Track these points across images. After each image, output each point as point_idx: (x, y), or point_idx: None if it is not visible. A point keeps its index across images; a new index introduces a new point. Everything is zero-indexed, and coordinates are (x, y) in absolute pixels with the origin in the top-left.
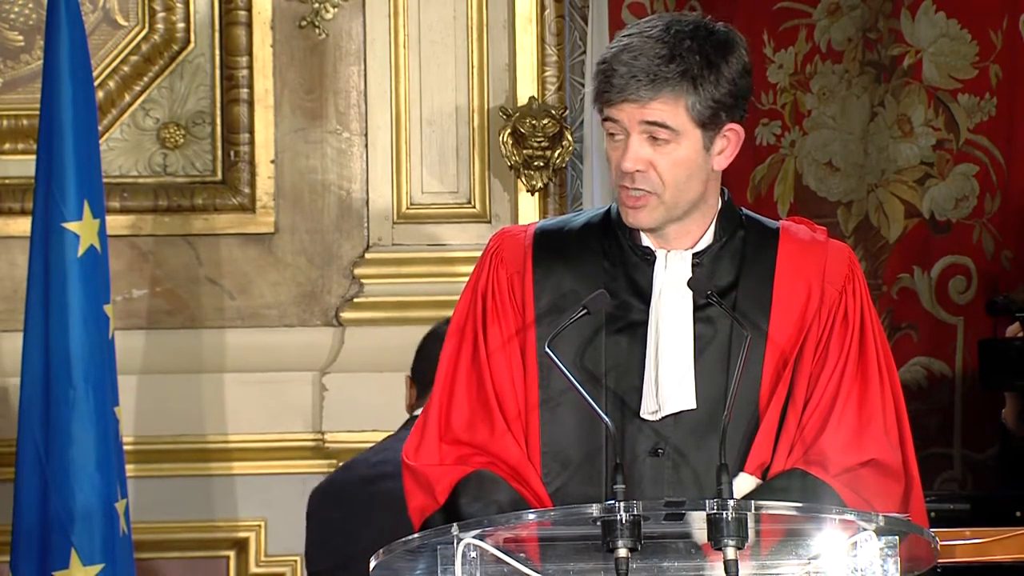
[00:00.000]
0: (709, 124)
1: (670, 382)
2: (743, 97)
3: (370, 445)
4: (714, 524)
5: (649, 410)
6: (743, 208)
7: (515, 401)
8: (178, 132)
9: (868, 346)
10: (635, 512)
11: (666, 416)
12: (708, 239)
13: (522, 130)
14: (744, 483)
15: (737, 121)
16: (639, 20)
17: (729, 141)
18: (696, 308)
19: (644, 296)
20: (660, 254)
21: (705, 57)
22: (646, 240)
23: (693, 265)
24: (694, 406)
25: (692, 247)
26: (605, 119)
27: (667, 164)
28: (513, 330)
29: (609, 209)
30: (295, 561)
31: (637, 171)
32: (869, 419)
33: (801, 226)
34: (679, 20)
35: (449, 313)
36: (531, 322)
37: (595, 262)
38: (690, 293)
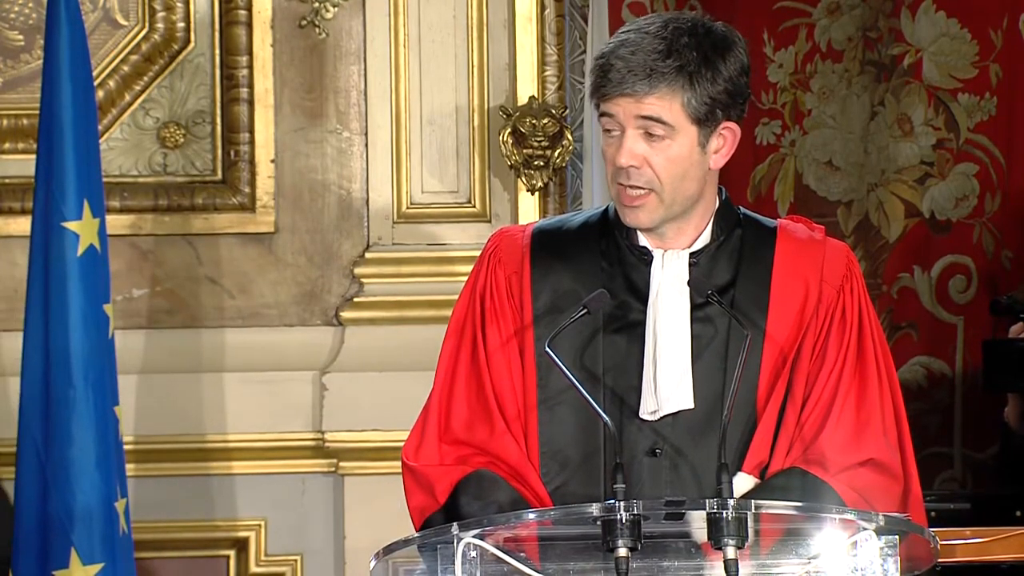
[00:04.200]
0: (705, 121)
1: (668, 382)
2: (740, 96)
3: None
4: (714, 523)
5: (648, 410)
6: (741, 207)
7: (514, 401)
8: (178, 132)
9: (866, 345)
10: (635, 511)
11: (664, 416)
12: (705, 238)
13: (522, 129)
14: (742, 482)
15: (734, 120)
16: (638, 18)
17: (725, 140)
18: (694, 307)
19: (642, 296)
20: (657, 254)
21: (703, 54)
22: (643, 240)
23: (690, 265)
24: (692, 406)
25: (689, 246)
26: (602, 114)
27: (662, 160)
28: (512, 330)
29: (607, 209)
30: (295, 560)
31: (632, 167)
32: (868, 418)
33: (799, 225)
34: (678, 18)
35: (449, 312)
36: (529, 322)
37: (593, 262)
38: (688, 293)
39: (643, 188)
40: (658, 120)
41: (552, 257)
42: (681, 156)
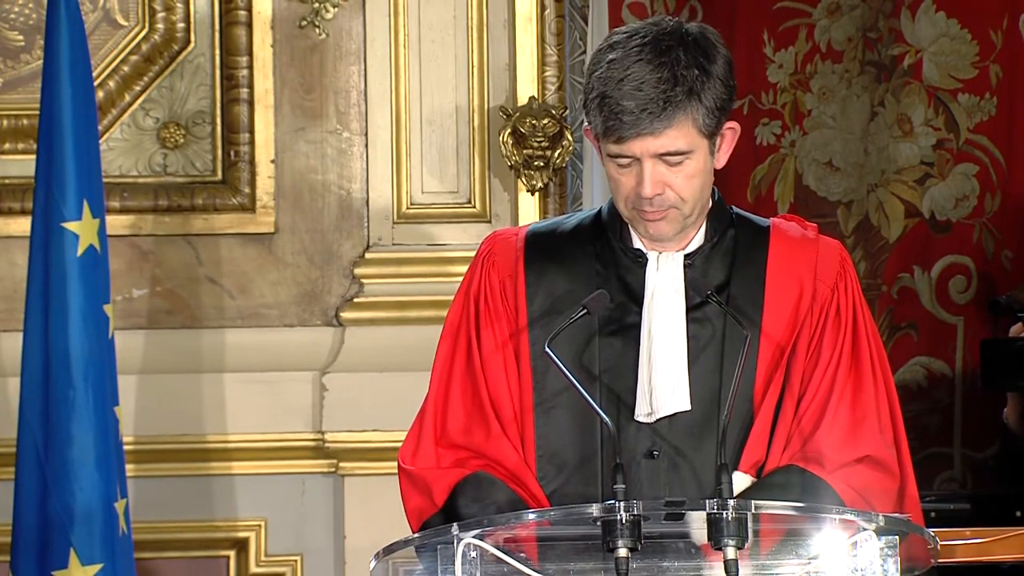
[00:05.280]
0: (715, 131)
1: (664, 385)
2: (733, 91)
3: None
4: (714, 524)
5: (643, 413)
6: (733, 206)
7: (510, 404)
8: (178, 132)
9: (861, 343)
10: (635, 512)
11: (661, 418)
12: (699, 239)
13: (522, 130)
14: (739, 481)
15: (731, 118)
16: (614, 34)
17: (725, 138)
18: (689, 308)
19: (637, 298)
20: (652, 256)
21: (700, 67)
22: (637, 242)
23: (685, 266)
24: (688, 408)
25: (683, 248)
26: (613, 153)
27: (682, 180)
28: (507, 333)
29: (600, 211)
30: (295, 561)
31: (656, 195)
32: (863, 416)
33: (792, 223)
34: (661, 31)
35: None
36: (524, 325)
37: (587, 264)
38: (683, 294)
39: (665, 208)
40: (678, 152)
41: (546, 260)
42: (698, 170)
